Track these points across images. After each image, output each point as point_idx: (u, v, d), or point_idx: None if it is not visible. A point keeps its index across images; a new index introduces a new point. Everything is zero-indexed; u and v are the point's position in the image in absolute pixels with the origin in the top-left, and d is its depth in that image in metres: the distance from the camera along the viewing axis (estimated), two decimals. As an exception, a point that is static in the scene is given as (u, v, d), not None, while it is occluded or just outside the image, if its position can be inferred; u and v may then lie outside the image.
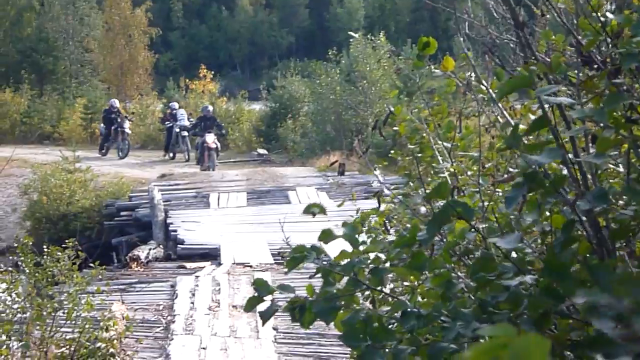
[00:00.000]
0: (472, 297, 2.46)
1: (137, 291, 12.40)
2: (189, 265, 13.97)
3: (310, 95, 30.66)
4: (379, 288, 2.75)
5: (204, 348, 9.67)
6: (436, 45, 3.05)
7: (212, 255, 14.57)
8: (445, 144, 3.74)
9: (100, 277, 8.55)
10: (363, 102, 26.80)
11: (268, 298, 2.75)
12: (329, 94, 27.69)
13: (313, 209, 2.90)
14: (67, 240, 8.61)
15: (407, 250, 2.66)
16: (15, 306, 8.03)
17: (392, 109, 3.96)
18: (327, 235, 2.83)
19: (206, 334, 10.16)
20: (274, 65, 70.20)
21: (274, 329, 10.20)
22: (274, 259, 13.76)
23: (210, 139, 24.92)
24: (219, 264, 13.77)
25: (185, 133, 27.67)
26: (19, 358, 7.66)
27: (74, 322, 8.03)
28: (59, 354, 7.84)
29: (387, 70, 27.18)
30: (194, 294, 11.78)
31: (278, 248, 13.68)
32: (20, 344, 7.70)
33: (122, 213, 19.01)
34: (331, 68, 28.63)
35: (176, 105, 29.78)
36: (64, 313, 8.07)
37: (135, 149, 30.24)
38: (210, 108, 27.52)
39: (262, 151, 29.45)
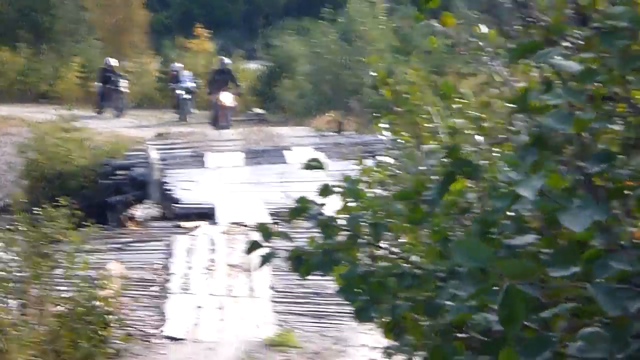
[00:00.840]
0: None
1: (133, 250, 12.43)
2: (185, 224, 13.97)
3: (308, 55, 30.41)
4: (377, 244, 2.76)
5: (200, 307, 9.72)
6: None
7: (208, 214, 14.57)
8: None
9: (96, 235, 8.55)
10: (360, 62, 26.64)
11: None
12: (325, 53, 27.50)
13: (312, 164, 2.91)
14: (61, 199, 8.61)
15: (408, 206, 2.67)
16: (13, 264, 8.06)
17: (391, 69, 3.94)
18: (326, 191, 2.85)
19: (202, 293, 10.21)
20: (270, 24, 69.70)
21: (271, 287, 10.24)
22: (271, 219, 13.77)
23: (225, 97, 24.51)
24: (215, 223, 13.79)
25: (187, 96, 27.31)
26: (16, 316, 7.70)
27: (70, 280, 8.06)
28: (56, 312, 7.88)
29: (383, 29, 27.02)
30: (190, 253, 11.82)
31: (274, 207, 13.67)
32: (18, 302, 7.75)
33: (118, 172, 18.95)
34: (326, 27, 28.38)
35: (176, 65, 29.40)
36: (61, 272, 8.10)
37: (131, 108, 30.02)
38: (227, 60, 27.06)
39: (258, 110, 29.23)
